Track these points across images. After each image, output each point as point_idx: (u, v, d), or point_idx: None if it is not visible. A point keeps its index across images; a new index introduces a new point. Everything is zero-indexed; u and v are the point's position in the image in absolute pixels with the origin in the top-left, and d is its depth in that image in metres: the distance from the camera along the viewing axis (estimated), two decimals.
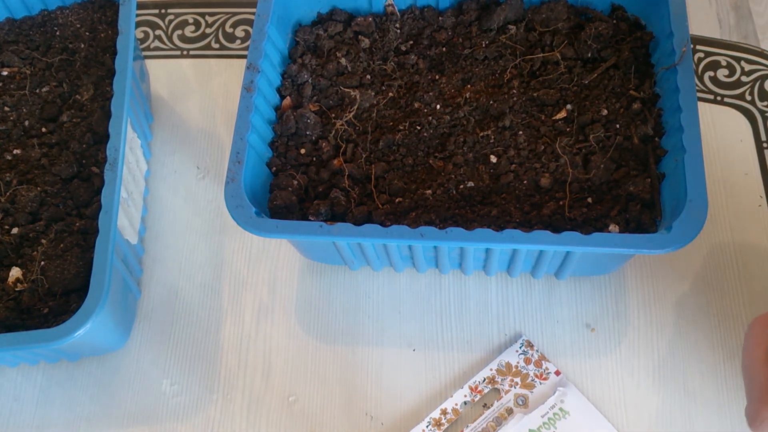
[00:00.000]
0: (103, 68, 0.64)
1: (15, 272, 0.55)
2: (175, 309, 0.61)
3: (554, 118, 0.57)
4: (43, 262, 0.55)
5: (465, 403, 0.55)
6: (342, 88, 0.60)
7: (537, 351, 0.57)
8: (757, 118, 0.65)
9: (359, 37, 0.62)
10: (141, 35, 0.74)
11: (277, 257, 0.62)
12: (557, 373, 0.56)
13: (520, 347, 0.57)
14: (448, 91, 0.59)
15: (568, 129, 0.56)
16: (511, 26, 0.61)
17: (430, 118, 0.57)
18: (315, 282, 0.61)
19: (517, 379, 0.55)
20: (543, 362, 0.56)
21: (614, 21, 0.60)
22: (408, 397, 0.56)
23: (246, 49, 0.72)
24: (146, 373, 0.59)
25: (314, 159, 0.57)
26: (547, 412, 0.54)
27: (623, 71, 0.58)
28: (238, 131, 0.54)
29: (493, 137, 0.56)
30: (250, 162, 0.54)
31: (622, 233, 0.49)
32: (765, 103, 0.65)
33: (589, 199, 0.53)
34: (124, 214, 0.58)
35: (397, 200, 0.54)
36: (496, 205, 0.53)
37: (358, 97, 0.59)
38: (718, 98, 0.66)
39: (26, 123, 0.62)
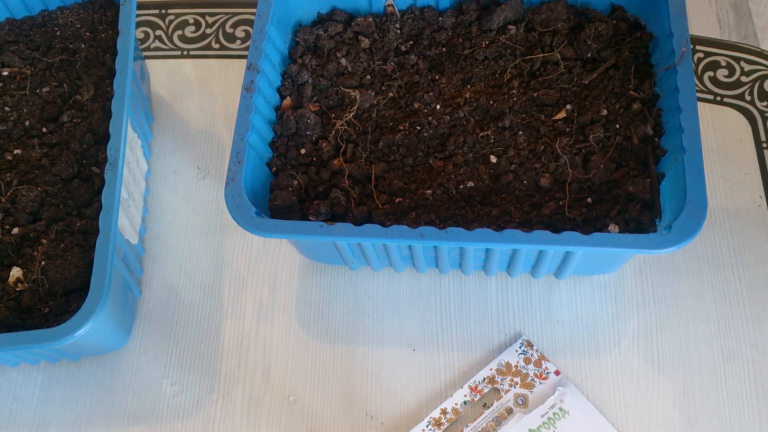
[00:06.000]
0: (103, 68, 0.64)
1: (15, 272, 0.55)
2: (176, 309, 0.61)
3: (554, 118, 0.57)
4: (43, 262, 0.55)
5: (465, 402, 0.55)
6: (342, 88, 0.60)
7: (537, 351, 0.57)
8: (756, 118, 0.65)
9: (359, 37, 0.62)
10: (141, 35, 0.74)
11: (277, 257, 0.62)
12: (557, 372, 0.56)
13: (520, 347, 0.57)
14: (448, 91, 0.59)
15: (567, 129, 0.56)
16: (511, 26, 0.61)
17: (430, 118, 0.58)
18: (315, 282, 0.61)
19: (517, 379, 0.55)
20: (543, 362, 0.56)
21: (614, 21, 0.60)
22: (408, 397, 0.56)
23: (246, 49, 0.72)
24: (147, 373, 0.59)
25: (314, 159, 0.57)
26: (547, 412, 0.54)
27: (623, 71, 0.58)
28: (239, 131, 0.54)
29: (493, 137, 0.56)
30: (250, 162, 0.54)
31: (621, 233, 0.49)
32: (765, 103, 0.65)
33: (589, 199, 0.53)
34: (125, 214, 0.58)
35: (397, 200, 0.54)
36: (496, 205, 0.53)
37: (358, 97, 0.59)
38: (718, 98, 0.66)
39: (27, 123, 0.62)
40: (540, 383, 0.55)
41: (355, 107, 0.58)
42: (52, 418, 0.57)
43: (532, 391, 0.55)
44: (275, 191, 0.55)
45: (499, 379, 0.56)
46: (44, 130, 0.62)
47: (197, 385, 0.58)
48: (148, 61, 0.72)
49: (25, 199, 0.57)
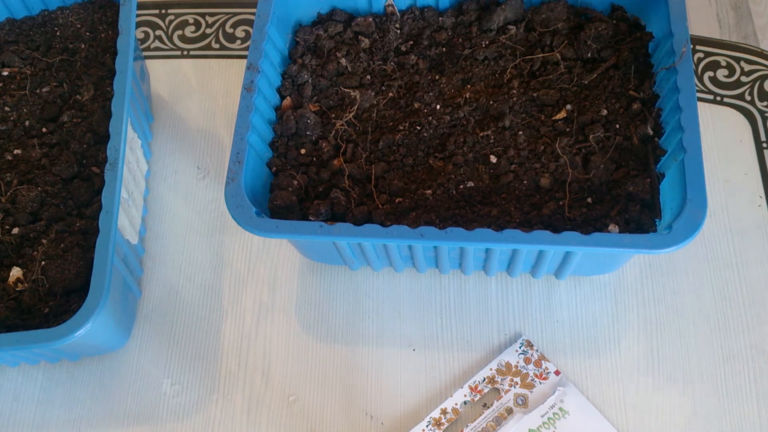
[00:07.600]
0: (103, 68, 0.64)
1: (15, 272, 0.55)
2: (176, 309, 0.61)
3: (554, 118, 0.57)
4: (43, 262, 0.55)
5: (465, 402, 0.55)
6: (342, 88, 0.60)
7: (537, 351, 0.57)
8: (756, 119, 0.65)
9: (359, 37, 0.62)
10: (141, 35, 0.74)
11: (277, 257, 0.62)
12: (557, 372, 0.56)
13: (520, 347, 0.57)
14: (448, 91, 0.59)
15: (567, 129, 0.56)
16: (511, 26, 0.61)
17: (430, 118, 0.58)
18: (315, 282, 0.61)
19: (517, 379, 0.55)
20: (543, 362, 0.56)
21: (614, 21, 0.60)
22: (408, 397, 0.56)
23: (246, 49, 0.72)
24: (146, 373, 0.59)
25: (314, 159, 0.57)
26: (547, 412, 0.54)
27: (623, 71, 0.58)
28: (239, 131, 0.54)
29: (493, 137, 0.56)
30: (250, 162, 0.54)
31: (621, 233, 0.49)
32: (765, 103, 0.65)
33: (589, 199, 0.53)
34: (125, 214, 0.58)
35: (397, 200, 0.54)
36: (496, 205, 0.53)
37: (358, 97, 0.59)
38: (718, 98, 0.66)
39: (27, 123, 0.62)
40: (540, 383, 0.55)
41: (355, 107, 0.58)
42: (52, 418, 0.57)
43: (532, 391, 0.55)
44: (275, 191, 0.55)
45: (499, 379, 0.56)
46: (44, 130, 0.62)
47: (197, 385, 0.58)
48: (148, 61, 0.72)
49: (25, 199, 0.57)
